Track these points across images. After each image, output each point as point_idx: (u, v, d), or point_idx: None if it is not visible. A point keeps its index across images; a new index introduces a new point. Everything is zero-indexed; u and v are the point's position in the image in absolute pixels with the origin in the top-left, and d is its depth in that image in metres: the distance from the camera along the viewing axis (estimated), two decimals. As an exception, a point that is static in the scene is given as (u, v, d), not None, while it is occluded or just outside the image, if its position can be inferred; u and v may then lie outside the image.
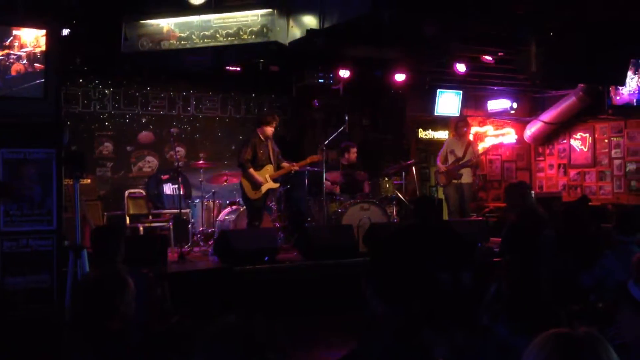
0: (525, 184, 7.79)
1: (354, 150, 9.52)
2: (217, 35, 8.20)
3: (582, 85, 10.45)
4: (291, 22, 8.20)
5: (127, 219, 9.15)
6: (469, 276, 5.54)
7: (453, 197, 9.75)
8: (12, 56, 5.80)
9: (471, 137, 10.59)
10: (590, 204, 10.60)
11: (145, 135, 10.17)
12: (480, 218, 10.57)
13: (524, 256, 5.42)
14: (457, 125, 10.14)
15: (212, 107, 10.62)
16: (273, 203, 9.20)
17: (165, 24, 8.40)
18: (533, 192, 10.55)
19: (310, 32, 7.64)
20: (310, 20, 7.97)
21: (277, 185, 8.63)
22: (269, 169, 8.44)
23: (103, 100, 9.85)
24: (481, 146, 11.80)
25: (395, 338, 2.70)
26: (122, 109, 10.00)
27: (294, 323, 6.17)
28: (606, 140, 11.27)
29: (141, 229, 8.96)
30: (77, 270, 4.36)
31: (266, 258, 7.44)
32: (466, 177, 9.75)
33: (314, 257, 7.69)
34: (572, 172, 11.76)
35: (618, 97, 10.24)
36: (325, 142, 8.97)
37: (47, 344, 4.61)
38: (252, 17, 8.21)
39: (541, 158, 12.33)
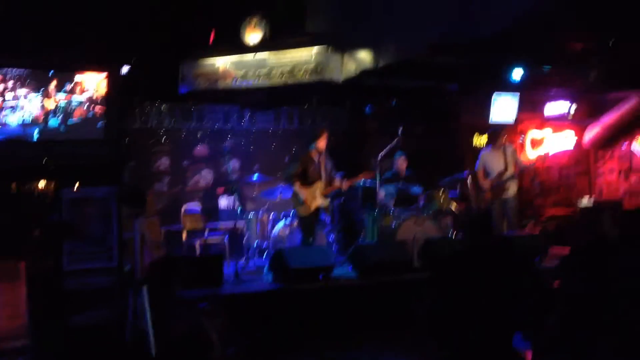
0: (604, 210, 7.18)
1: (401, 159, 9.46)
2: (273, 73, 8.30)
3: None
4: (345, 58, 8.24)
5: (184, 234, 9.31)
6: (531, 302, 5.43)
7: (498, 212, 9.29)
8: (75, 101, 6.00)
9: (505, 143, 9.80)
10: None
11: (201, 150, 10.33)
12: (537, 227, 10.36)
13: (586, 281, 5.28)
14: (494, 134, 9.56)
15: (266, 120, 10.69)
16: (327, 215, 9.22)
17: (222, 63, 8.57)
18: (592, 199, 10.35)
19: (364, 73, 7.70)
20: (364, 56, 8.06)
21: (327, 201, 8.60)
22: (320, 185, 8.42)
23: (160, 116, 10.03)
24: (538, 152, 11.54)
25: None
26: (178, 124, 10.17)
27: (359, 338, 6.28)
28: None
29: (197, 245, 9.12)
30: (136, 306, 4.47)
31: (320, 276, 7.47)
32: (512, 188, 9.35)
33: (368, 274, 7.68)
34: (634, 178, 11.36)
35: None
36: (379, 156, 8.92)
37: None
38: (307, 55, 8.28)
39: (601, 162, 11.96)
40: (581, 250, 5.57)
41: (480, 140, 11.25)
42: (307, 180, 8.35)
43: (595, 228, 5.91)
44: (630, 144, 11.40)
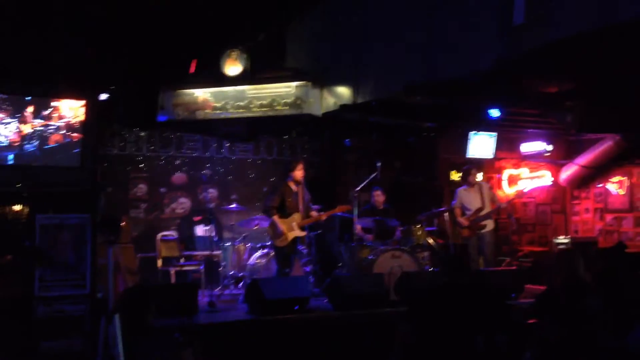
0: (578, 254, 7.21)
1: (377, 193, 9.50)
2: (252, 105, 8.39)
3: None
4: (325, 93, 8.35)
5: (159, 261, 9.22)
6: (504, 339, 5.44)
7: (475, 247, 9.35)
8: (51, 127, 5.99)
9: (478, 179, 10.03)
10: (627, 250, 10.36)
11: (178, 177, 10.29)
12: (514, 264, 10.42)
13: (560, 323, 5.32)
14: (465, 172, 9.60)
15: (244, 149, 10.71)
16: (304, 247, 9.20)
17: (201, 93, 8.62)
18: (568, 237, 10.45)
19: (343, 107, 7.81)
20: (344, 91, 8.19)
21: (304, 233, 8.58)
22: (297, 217, 8.39)
23: (138, 142, 10.00)
24: (515, 189, 11.67)
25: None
26: (157, 151, 10.14)
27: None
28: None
29: (172, 272, 9.04)
30: (108, 334, 4.40)
31: (296, 307, 7.42)
32: (489, 224, 9.42)
33: (344, 307, 7.64)
34: (609, 217, 11.53)
35: (657, 145, 10.05)
36: (357, 189, 8.95)
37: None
38: (286, 89, 8.40)
39: (577, 201, 12.12)
40: (555, 291, 5.66)
41: (457, 175, 11.35)
42: (284, 211, 8.33)
43: (570, 271, 5.99)
44: (605, 184, 11.58)
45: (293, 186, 8.44)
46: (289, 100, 8.40)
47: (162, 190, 10.20)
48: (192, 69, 9.00)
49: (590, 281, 5.80)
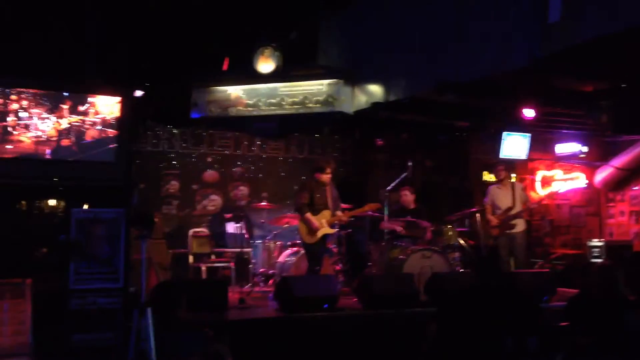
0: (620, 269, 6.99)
1: (405, 192, 9.42)
2: (284, 103, 8.42)
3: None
4: (357, 91, 8.34)
5: (191, 257, 9.31)
6: (535, 341, 5.38)
7: (505, 248, 9.26)
8: (88, 122, 6.08)
9: (513, 180, 9.95)
10: (663, 254, 10.18)
11: (210, 174, 10.38)
12: (546, 266, 10.29)
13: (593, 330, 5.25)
14: (495, 171, 9.62)
15: (276, 147, 10.75)
16: (334, 246, 9.20)
17: (234, 90, 8.68)
18: (603, 240, 10.28)
19: (375, 104, 7.79)
20: (375, 89, 8.17)
21: (333, 230, 8.55)
22: (326, 214, 8.36)
23: (171, 139, 10.11)
24: (548, 190, 11.52)
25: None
26: (189, 148, 10.24)
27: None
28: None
29: (204, 268, 9.13)
30: (140, 328, 4.46)
31: (325, 305, 7.42)
32: (520, 225, 9.32)
33: (373, 306, 7.62)
34: (645, 220, 11.33)
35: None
36: (387, 189, 8.91)
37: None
38: (318, 87, 8.42)
39: (612, 204, 11.91)
40: (592, 301, 5.58)
41: (490, 176, 11.24)
42: (313, 208, 8.32)
43: (609, 286, 5.88)
44: (641, 187, 11.38)
45: (321, 183, 8.42)
46: (320, 98, 8.43)
47: (194, 187, 10.28)
48: (225, 66, 9.08)
49: (630, 296, 5.71)
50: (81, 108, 6.17)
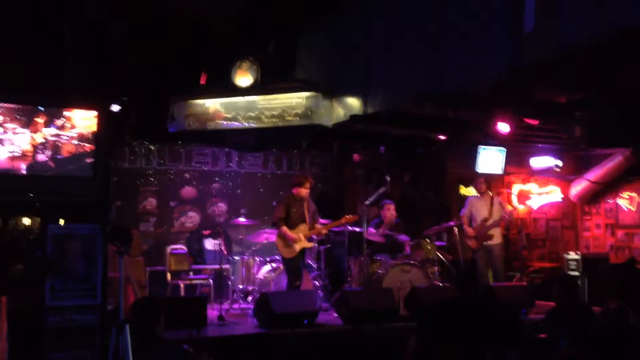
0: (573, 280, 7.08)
1: (389, 207, 9.46)
2: (262, 116, 8.44)
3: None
4: (335, 104, 8.37)
5: (169, 275, 9.21)
6: (514, 353, 5.40)
7: (483, 260, 9.37)
8: (64, 137, 6.01)
9: (490, 193, 9.93)
10: (638, 266, 10.29)
11: (188, 191, 10.31)
12: (524, 279, 10.35)
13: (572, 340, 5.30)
14: (476, 183, 9.77)
15: (254, 163, 10.72)
16: (313, 261, 9.18)
17: (212, 104, 8.67)
18: (579, 253, 10.38)
19: (354, 117, 7.83)
20: (354, 102, 8.21)
21: (311, 244, 8.57)
22: (303, 228, 8.37)
23: (148, 156, 10.04)
24: (524, 205, 11.63)
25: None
26: (167, 165, 10.17)
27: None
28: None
29: (182, 285, 9.03)
30: (118, 346, 4.38)
31: (305, 321, 7.39)
32: (497, 237, 9.43)
33: (353, 321, 7.59)
34: (620, 233, 11.45)
35: (667, 159, 10.00)
36: (366, 203, 8.93)
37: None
38: (297, 100, 8.45)
39: (587, 217, 12.05)
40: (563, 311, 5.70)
41: (467, 190, 11.33)
42: (290, 223, 8.31)
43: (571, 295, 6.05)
44: (615, 200, 11.52)
45: (298, 197, 8.42)
46: (299, 111, 8.44)
47: (172, 204, 10.21)
48: (203, 80, 9.05)
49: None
50: (58, 122, 6.08)
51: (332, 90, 8.61)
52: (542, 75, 6.23)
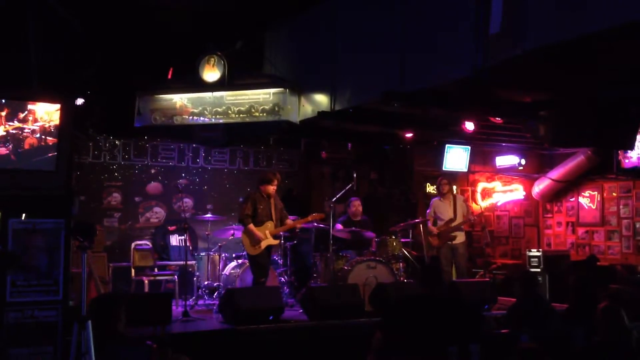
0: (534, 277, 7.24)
1: (356, 203, 9.52)
2: (229, 112, 8.40)
3: (590, 144, 10.43)
4: (303, 100, 8.38)
5: (133, 271, 9.12)
6: (477, 348, 5.49)
7: (447, 258, 9.49)
8: (26, 130, 5.89)
9: (453, 191, 10.21)
10: (598, 263, 10.52)
11: (153, 186, 10.23)
12: (487, 276, 10.51)
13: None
14: (438, 185, 9.86)
15: (220, 159, 10.68)
16: (279, 257, 9.19)
17: (179, 99, 8.62)
18: (540, 250, 10.57)
19: (321, 113, 7.85)
20: (322, 99, 8.23)
21: (276, 241, 8.58)
22: (269, 225, 8.38)
23: (113, 151, 9.93)
24: (488, 202, 11.79)
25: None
26: (132, 160, 10.07)
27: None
28: (615, 200, 11.21)
29: (146, 282, 8.95)
30: (80, 342, 4.33)
31: (271, 317, 7.39)
32: (460, 237, 9.58)
33: (319, 317, 7.62)
34: (581, 231, 11.69)
35: (627, 160, 10.20)
36: (333, 200, 8.97)
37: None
38: (264, 96, 8.43)
39: (549, 215, 12.27)
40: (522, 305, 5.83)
41: (432, 188, 11.45)
42: (256, 220, 8.30)
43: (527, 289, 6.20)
44: (577, 198, 11.75)
45: (265, 194, 8.41)
46: (266, 107, 8.43)
47: (137, 199, 10.11)
48: (170, 74, 8.98)
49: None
50: (20, 115, 5.96)
51: (300, 87, 8.62)
52: (507, 76, 6.32)
